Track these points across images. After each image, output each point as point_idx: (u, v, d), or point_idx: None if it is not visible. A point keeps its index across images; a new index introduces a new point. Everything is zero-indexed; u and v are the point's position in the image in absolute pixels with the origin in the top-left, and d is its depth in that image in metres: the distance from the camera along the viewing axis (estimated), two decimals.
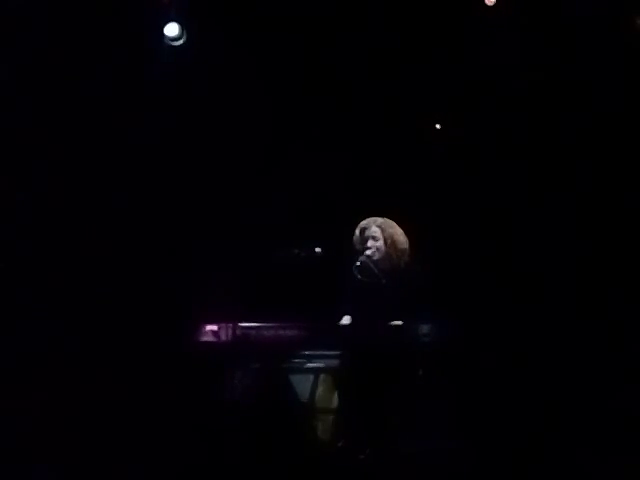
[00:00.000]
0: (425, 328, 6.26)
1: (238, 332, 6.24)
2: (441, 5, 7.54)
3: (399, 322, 6.31)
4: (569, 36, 7.50)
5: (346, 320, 6.58)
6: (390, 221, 6.63)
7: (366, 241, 6.56)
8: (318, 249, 6.54)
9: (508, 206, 7.95)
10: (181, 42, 7.72)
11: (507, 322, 7.56)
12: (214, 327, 6.27)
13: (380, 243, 6.55)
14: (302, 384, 6.47)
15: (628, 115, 7.56)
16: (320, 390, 6.50)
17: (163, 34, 7.69)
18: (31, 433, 6.07)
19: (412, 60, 7.83)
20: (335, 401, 6.40)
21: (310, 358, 6.42)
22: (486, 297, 7.73)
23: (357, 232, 6.62)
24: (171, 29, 7.70)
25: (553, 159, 7.78)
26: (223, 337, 6.25)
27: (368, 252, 6.52)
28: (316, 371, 6.47)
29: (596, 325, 7.42)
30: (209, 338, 6.27)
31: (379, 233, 6.56)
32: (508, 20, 7.49)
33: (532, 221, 7.89)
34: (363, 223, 6.63)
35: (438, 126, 8.21)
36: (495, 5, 7.47)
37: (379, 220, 6.62)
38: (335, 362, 6.38)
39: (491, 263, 7.88)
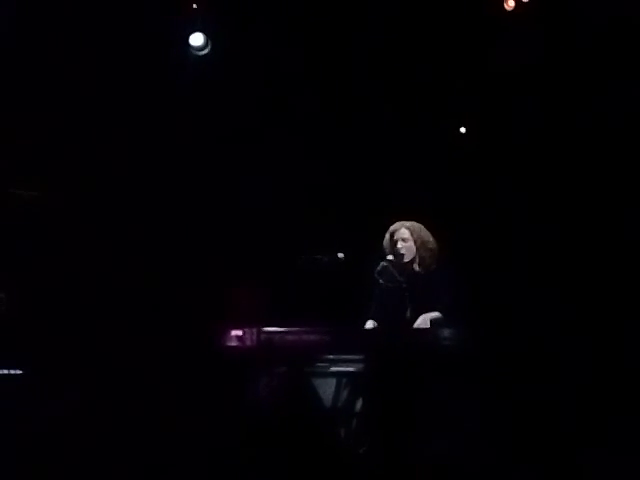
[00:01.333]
0: (447, 332, 6.30)
1: (262, 337, 6.28)
2: (461, 9, 7.55)
3: (432, 315, 6.34)
4: (588, 41, 7.48)
5: (369, 325, 6.62)
6: (418, 224, 6.69)
7: (395, 244, 6.61)
8: (341, 254, 6.58)
9: (535, 209, 7.94)
10: (206, 52, 7.78)
11: (529, 327, 7.54)
12: (239, 332, 6.30)
13: (410, 244, 6.61)
14: (325, 388, 6.50)
15: None
16: (343, 394, 6.54)
17: (188, 44, 7.76)
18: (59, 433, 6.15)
19: (431, 64, 7.85)
20: (359, 405, 6.44)
21: (333, 362, 6.44)
22: (508, 302, 7.72)
23: (387, 236, 6.68)
24: (196, 39, 7.78)
25: (572, 163, 7.76)
26: (247, 342, 6.28)
27: (402, 251, 6.54)
28: (339, 375, 6.49)
29: (619, 328, 7.39)
30: (234, 343, 6.32)
31: (408, 234, 6.62)
32: (527, 25, 7.49)
33: (558, 225, 7.88)
34: (392, 227, 6.69)
35: (463, 130, 8.19)
36: (514, 10, 7.48)
37: (407, 223, 6.69)
38: (358, 366, 6.40)
39: (514, 268, 7.86)
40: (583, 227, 7.75)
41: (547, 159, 7.82)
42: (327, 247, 6.63)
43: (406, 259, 6.59)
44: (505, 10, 7.49)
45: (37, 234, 7.21)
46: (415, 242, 6.60)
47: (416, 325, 6.41)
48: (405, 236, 6.62)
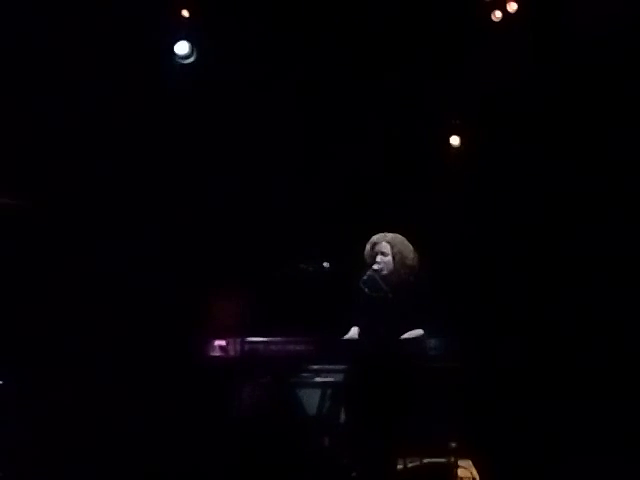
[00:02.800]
0: (432, 342, 6.27)
1: (246, 347, 6.24)
2: (448, 20, 7.57)
3: (415, 333, 6.32)
4: (575, 50, 7.50)
5: (354, 331, 6.58)
6: (400, 237, 6.66)
7: (376, 256, 6.59)
8: (326, 263, 6.55)
9: (519, 220, 7.95)
10: (191, 60, 7.76)
11: (514, 337, 7.54)
12: (222, 342, 6.27)
13: (389, 259, 6.59)
14: (309, 399, 6.47)
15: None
16: (327, 404, 6.50)
17: (173, 52, 7.74)
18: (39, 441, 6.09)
19: (421, 75, 7.85)
20: (342, 415, 6.40)
21: (317, 372, 6.42)
22: (493, 312, 7.71)
23: (368, 247, 6.66)
24: (181, 47, 7.75)
25: (565, 169, 7.77)
26: (231, 352, 6.25)
27: (376, 267, 6.55)
28: (323, 386, 6.46)
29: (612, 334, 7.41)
30: (217, 353, 6.28)
31: (388, 249, 6.60)
32: (515, 35, 7.51)
33: (543, 233, 7.88)
34: (374, 238, 6.67)
35: (454, 141, 8.19)
36: (502, 20, 7.49)
37: (389, 236, 6.65)
38: (342, 376, 6.38)
39: (500, 277, 7.86)
40: (564, 238, 7.76)
41: (533, 168, 7.83)
42: (312, 256, 6.59)
43: (384, 272, 6.57)
44: (492, 20, 7.50)
45: (13, 240, 7.17)
46: (394, 257, 6.58)
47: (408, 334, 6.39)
48: (385, 250, 6.60)
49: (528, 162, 7.82)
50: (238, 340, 6.23)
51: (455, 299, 7.04)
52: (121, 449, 6.42)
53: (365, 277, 6.56)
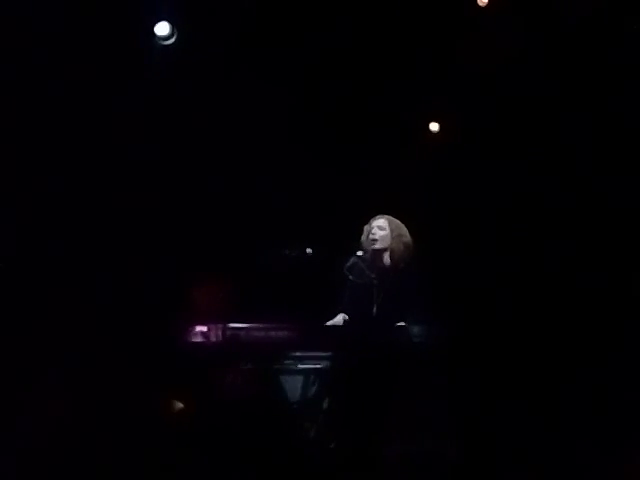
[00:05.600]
0: (417, 329, 6.26)
1: (228, 333, 6.19)
2: (433, 6, 7.53)
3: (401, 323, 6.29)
4: (562, 37, 7.50)
5: (339, 318, 6.55)
6: (398, 220, 6.61)
7: (371, 230, 6.50)
8: (309, 249, 6.52)
9: (504, 207, 7.95)
10: (172, 41, 7.67)
11: (501, 324, 7.55)
12: (203, 328, 6.22)
13: (386, 232, 6.52)
14: (293, 385, 6.45)
15: (627, 115, 7.58)
16: (311, 391, 6.48)
17: (154, 33, 7.65)
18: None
19: (405, 62, 7.82)
20: (326, 402, 6.38)
21: (301, 359, 6.40)
22: (480, 299, 7.72)
23: (365, 229, 6.58)
24: (162, 28, 7.66)
25: (550, 159, 7.78)
26: (213, 338, 6.20)
27: (372, 242, 6.43)
28: (307, 372, 6.45)
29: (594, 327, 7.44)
30: (198, 339, 6.22)
31: (386, 224, 6.54)
32: (501, 21, 7.50)
33: (527, 222, 7.89)
34: (372, 219, 6.59)
35: (433, 127, 8.17)
36: (487, 6, 7.47)
37: (386, 215, 6.60)
38: (326, 363, 6.36)
39: (486, 264, 7.87)
40: (553, 227, 7.78)
41: (520, 155, 7.83)
42: (295, 242, 6.55)
43: (378, 245, 6.48)
44: (478, 6, 7.47)
45: None
46: (392, 232, 6.50)
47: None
48: (382, 224, 6.53)
49: (510, 150, 7.83)
50: (220, 326, 6.18)
51: (440, 286, 7.00)
52: (99, 435, 6.34)
53: (349, 263, 6.53)
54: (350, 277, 6.51)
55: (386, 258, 6.54)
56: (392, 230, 6.52)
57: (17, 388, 6.27)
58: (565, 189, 7.76)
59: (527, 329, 7.44)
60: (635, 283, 7.44)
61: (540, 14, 7.44)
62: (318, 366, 6.40)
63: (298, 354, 6.33)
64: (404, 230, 6.56)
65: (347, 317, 6.54)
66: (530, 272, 7.77)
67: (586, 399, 6.69)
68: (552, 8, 7.34)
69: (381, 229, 6.52)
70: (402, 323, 6.30)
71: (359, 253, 6.55)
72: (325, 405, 6.36)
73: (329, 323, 6.53)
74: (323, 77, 7.83)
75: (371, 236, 6.49)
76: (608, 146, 7.61)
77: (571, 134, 7.66)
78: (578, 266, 7.66)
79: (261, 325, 6.22)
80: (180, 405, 6.22)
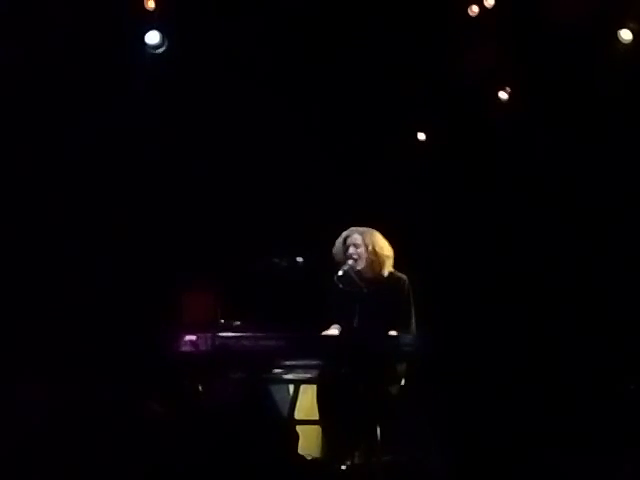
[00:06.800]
0: (408, 338, 6.24)
1: (217, 342, 6.16)
2: (424, 15, 7.54)
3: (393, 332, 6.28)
4: (552, 45, 7.52)
5: (334, 329, 6.53)
6: (372, 230, 6.61)
7: (347, 249, 6.52)
8: (299, 258, 6.49)
9: (494, 216, 7.96)
10: (162, 50, 7.68)
11: (490, 333, 7.55)
12: (193, 337, 6.18)
13: (361, 250, 6.52)
14: (282, 395, 6.43)
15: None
16: (300, 401, 6.46)
17: (144, 42, 7.65)
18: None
19: (395, 70, 7.82)
20: (315, 412, 6.36)
21: (290, 369, 6.38)
22: (469, 307, 7.72)
23: (339, 242, 6.59)
24: (152, 37, 7.67)
25: (537, 168, 7.80)
26: (202, 347, 6.17)
27: (350, 262, 6.48)
28: (296, 382, 6.44)
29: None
30: (188, 348, 6.19)
31: (360, 240, 6.54)
32: (491, 30, 7.51)
33: (515, 231, 7.90)
34: (345, 233, 6.61)
35: (421, 136, 8.17)
36: (478, 15, 7.49)
37: (361, 229, 6.61)
38: (316, 373, 6.34)
39: (474, 272, 7.87)
40: (542, 233, 7.80)
41: (511, 163, 7.85)
42: (286, 251, 6.53)
43: (358, 266, 6.50)
44: (469, 15, 7.48)
45: None
46: (367, 247, 6.51)
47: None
48: (357, 242, 6.53)
49: (503, 158, 7.85)
50: (209, 335, 6.15)
51: (431, 296, 6.99)
52: (90, 443, 6.31)
53: (340, 273, 6.49)
54: (340, 286, 6.49)
55: (368, 271, 6.55)
56: (367, 245, 6.53)
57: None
58: (549, 199, 7.79)
59: (516, 337, 7.45)
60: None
61: (532, 23, 7.45)
62: (308, 376, 6.39)
63: (288, 363, 6.31)
64: (377, 238, 6.56)
65: (340, 328, 6.52)
66: (520, 278, 7.78)
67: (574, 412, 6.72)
68: (543, 17, 7.34)
69: (357, 247, 6.53)
70: (393, 332, 6.27)
71: (350, 262, 6.52)
72: (314, 415, 6.36)
73: (324, 334, 6.50)
74: (312, 76, 7.83)
75: (350, 256, 6.49)
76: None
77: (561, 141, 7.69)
78: (576, 273, 7.68)
79: (251, 334, 6.19)
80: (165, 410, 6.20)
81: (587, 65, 7.53)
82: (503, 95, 7.82)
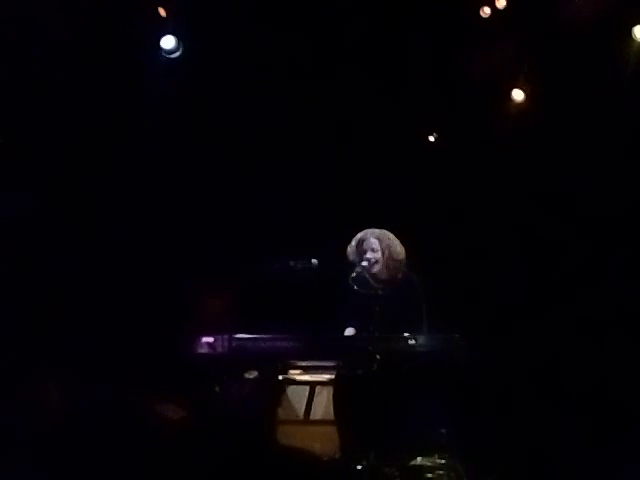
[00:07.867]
0: (422, 339, 6.27)
1: (234, 344, 6.21)
2: (437, 16, 7.56)
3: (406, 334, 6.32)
4: (564, 46, 7.51)
5: (349, 332, 6.57)
6: (387, 232, 6.64)
7: (364, 253, 6.56)
8: (314, 261, 6.53)
9: (507, 217, 7.95)
10: (177, 54, 7.73)
11: (505, 333, 7.55)
12: (210, 339, 6.24)
13: (379, 255, 6.56)
14: (298, 396, 6.47)
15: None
16: (316, 402, 6.50)
17: (159, 47, 7.70)
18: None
19: (407, 71, 7.84)
20: (331, 413, 6.39)
21: (306, 370, 6.42)
22: (484, 308, 7.72)
23: (353, 244, 6.62)
24: (167, 42, 7.72)
25: (549, 167, 7.78)
26: (219, 349, 6.22)
27: (364, 263, 6.52)
28: (312, 383, 6.47)
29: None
30: (205, 350, 6.25)
31: (377, 245, 6.57)
32: (503, 31, 7.51)
33: (527, 231, 7.90)
34: (360, 235, 6.63)
35: (432, 138, 8.19)
36: (490, 16, 7.49)
37: (377, 231, 6.63)
38: (331, 374, 6.37)
39: (488, 273, 7.87)
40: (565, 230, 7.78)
41: (524, 163, 7.84)
42: (301, 253, 6.56)
43: (375, 269, 6.54)
44: (481, 17, 7.49)
45: None
46: (383, 252, 6.55)
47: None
48: (374, 246, 6.57)
49: (515, 158, 7.84)
50: (226, 337, 6.20)
51: (444, 296, 7.01)
52: (104, 445, 6.37)
53: (354, 274, 6.54)
54: (355, 288, 6.53)
55: (383, 274, 6.58)
56: (383, 250, 6.56)
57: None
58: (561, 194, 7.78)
59: (530, 340, 7.44)
60: None
61: (544, 24, 7.45)
62: (324, 377, 6.43)
63: (304, 365, 6.35)
64: (395, 245, 6.59)
65: (355, 331, 6.56)
66: (533, 280, 7.77)
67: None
68: (556, 18, 7.34)
69: (374, 251, 6.56)
70: (407, 333, 6.31)
71: (364, 264, 6.56)
72: (330, 416, 6.38)
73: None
74: (326, 81, 7.86)
75: (364, 262, 6.52)
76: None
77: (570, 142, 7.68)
78: (593, 276, 7.67)
79: (267, 336, 6.24)
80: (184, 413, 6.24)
81: (601, 64, 7.51)
82: (518, 96, 7.82)
